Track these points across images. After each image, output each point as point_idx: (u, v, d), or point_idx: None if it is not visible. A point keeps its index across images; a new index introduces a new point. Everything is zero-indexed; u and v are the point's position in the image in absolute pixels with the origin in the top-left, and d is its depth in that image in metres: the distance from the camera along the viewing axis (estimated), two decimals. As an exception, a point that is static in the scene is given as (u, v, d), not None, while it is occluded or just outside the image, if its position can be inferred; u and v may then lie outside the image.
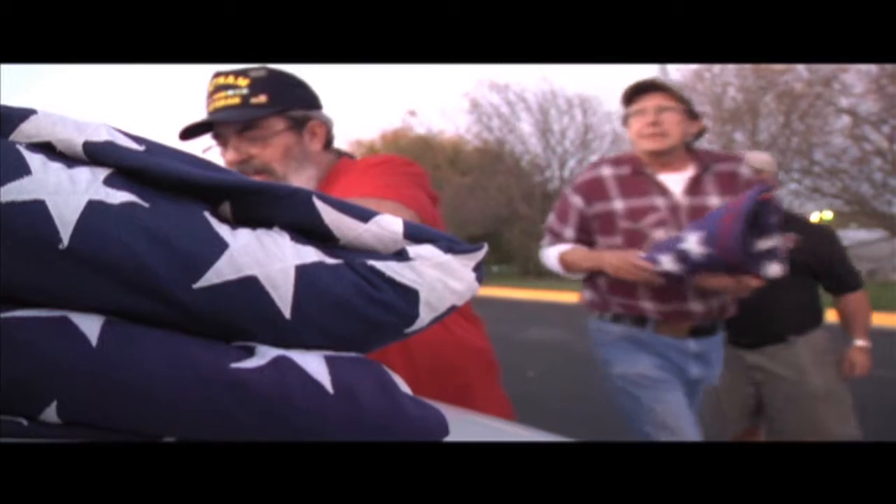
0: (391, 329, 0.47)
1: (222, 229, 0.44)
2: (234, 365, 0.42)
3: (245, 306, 0.42)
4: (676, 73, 12.90)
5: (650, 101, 1.72)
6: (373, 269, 0.46)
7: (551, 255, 1.88)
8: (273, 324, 0.43)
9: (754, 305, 1.84)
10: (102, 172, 0.43)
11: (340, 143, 1.20)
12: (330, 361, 0.45)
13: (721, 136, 15.42)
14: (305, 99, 1.13)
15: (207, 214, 0.44)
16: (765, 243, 1.49)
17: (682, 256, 1.53)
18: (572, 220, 1.84)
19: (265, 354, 0.43)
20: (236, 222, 0.46)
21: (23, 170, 0.40)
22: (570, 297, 10.94)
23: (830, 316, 2.19)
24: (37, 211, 0.38)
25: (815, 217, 15.12)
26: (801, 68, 14.46)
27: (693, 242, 1.51)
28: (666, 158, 1.72)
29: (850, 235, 16.73)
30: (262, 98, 1.07)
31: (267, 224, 0.46)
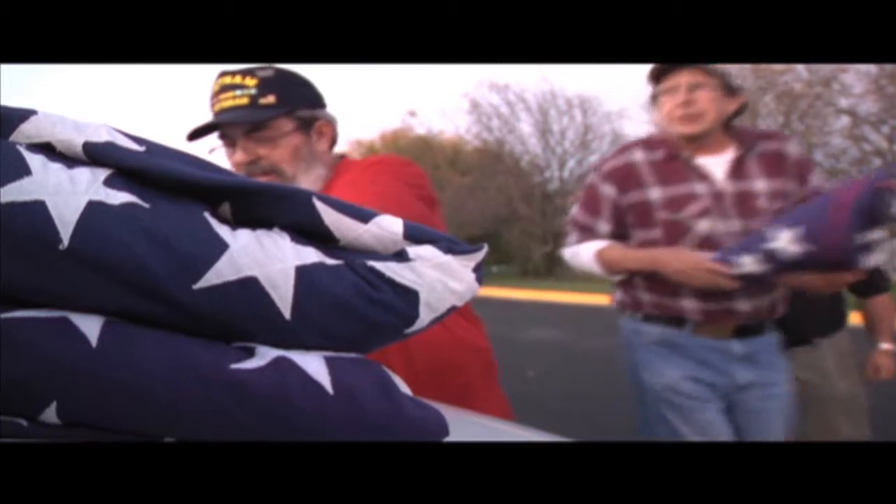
0: (391, 330, 0.47)
1: (222, 230, 0.44)
2: (234, 365, 0.42)
3: (245, 307, 0.42)
4: (676, 73, 12.88)
5: (681, 78, 1.50)
6: (373, 270, 0.46)
7: (585, 253, 1.62)
8: (273, 324, 0.43)
9: None
10: (102, 173, 0.43)
11: (340, 142, 1.20)
12: (330, 362, 0.45)
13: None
14: (312, 99, 1.13)
15: (207, 215, 0.44)
16: (871, 235, 1.31)
17: (770, 256, 1.35)
18: (606, 212, 1.59)
19: (265, 355, 0.43)
20: (236, 223, 0.46)
21: (23, 170, 0.40)
22: (570, 297, 10.94)
23: (854, 318, 2.17)
24: (37, 211, 0.38)
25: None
26: (800, 69, 14.46)
27: (785, 240, 1.33)
28: (703, 141, 1.51)
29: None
30: (270, 98, 1.06)
31: (267, 225, 0.46)
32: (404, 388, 0.48)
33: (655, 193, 1.53)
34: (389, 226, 0.48)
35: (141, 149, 0.47)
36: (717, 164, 1.52)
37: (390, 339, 0.49)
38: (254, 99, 1.06)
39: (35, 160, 0.41)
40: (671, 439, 1.52)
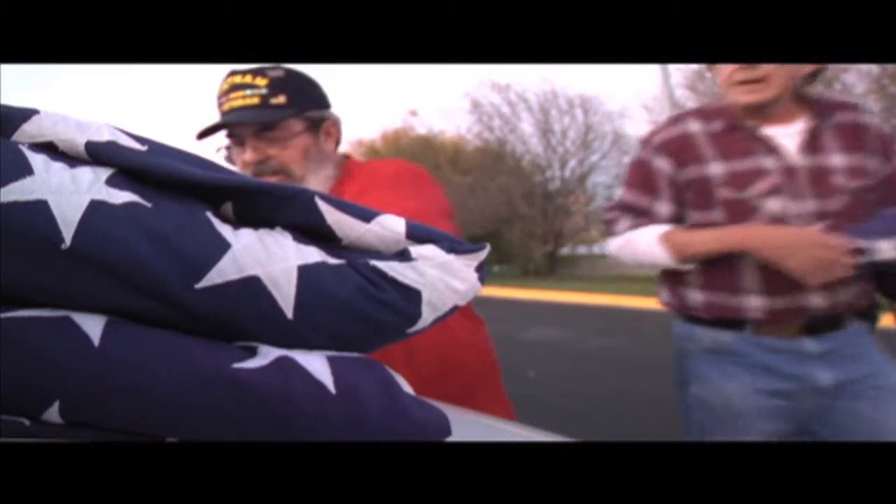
0: (393, 329, 0.47)
1: (225, 229, 0.44)
2: (236, 365, 0.42)
3: (247, 306, 0.42)
4: (677, 72, 12.92)
5: None
6: (375, 270, 0.46)
7: (644, 239, 1.34)
8: (275, 324, 0.43)
9: None
10: (105, 172, 0.43)
11: (342, 142, 1.20)
12: (332, 361, 0.45)
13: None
14: (319, 99, 1.14)
15: (210, 215, 0.45)
16: None
17: None
18: (665, 190, 1.34)
19: (267, 354, 0.43)
20: (239, 222, 0.46)
21: (25, 170, 0.40)
22: (570, 297, 10.94)
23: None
24: (39, 211, 0.39)
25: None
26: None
27: None
28: (770, 109, 1.29)
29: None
30: (281, 99, 1.07)
31: (269, 224, 0.46)
32: (407, 388, 0.48)
33: (716, 168, 1.29)
34: (392, 225, 0.48)
35: (143, 148, 0.47)
36: (787, 136, 1.29)
37: (392, 339, 0.49)
38: (264, 99, 1.06)
39: (37, 159, 0.41)
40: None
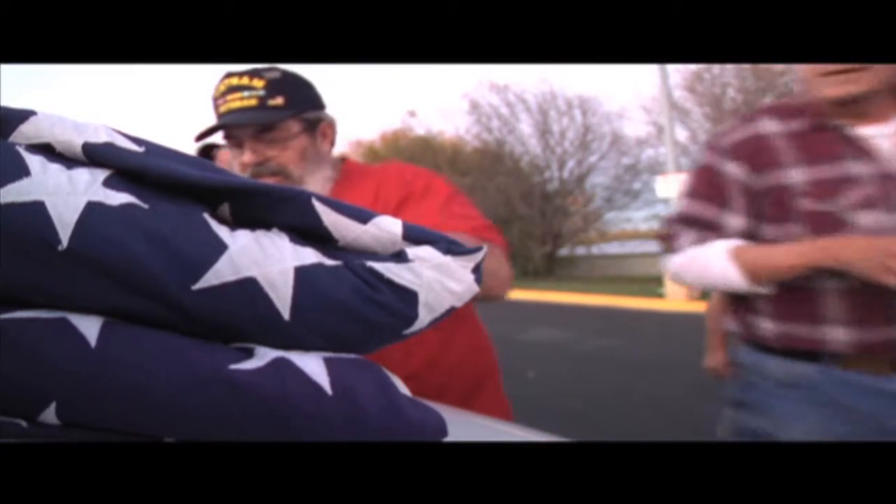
0: (390, 330, 0.47)
1: (221, 231, 0.44)
2: (233, 366, 0.42)
3: (244, 308, 0.42)
4: (676, 73, 12.93)
5: None
6: (371, 271, 0.46)
7: (711, 257, 1.13)
8: (272, 325, 0.43)
9: None
10: (102, 174, 0.43)
11: (341, 142, 1.20)
12: (329, 363, 0.45)
13: (721, 137, 15.37)
14: (315, 100, 1.14)
15: (207, 216, 0.44)
16: None
17: None
18: (736, 200, 1.14)
19: (264, 356, 0.43)
20: (235, 224, 0.46)
21: (22, 171, 0.40)
22: (570, 297, 10.94)
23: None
24: (36, 212, 0.39)
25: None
26: (800, 69, 14.42)
27: None
28: (863, 106, 1.09)
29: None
30: (279, 100, 1.07)
31: (266, 226, 0.46)
32: (403, 389, 0.48)
33: (797, 175, 1.09)
34: (388, 226, 0.48)
35: (140, 149, 0.47)
36: (883, 137, 1.09)
37: (389, 340, 0.49)
38: (262, 100, 1.06)
39: (34, 161, 0.41)
40: None
